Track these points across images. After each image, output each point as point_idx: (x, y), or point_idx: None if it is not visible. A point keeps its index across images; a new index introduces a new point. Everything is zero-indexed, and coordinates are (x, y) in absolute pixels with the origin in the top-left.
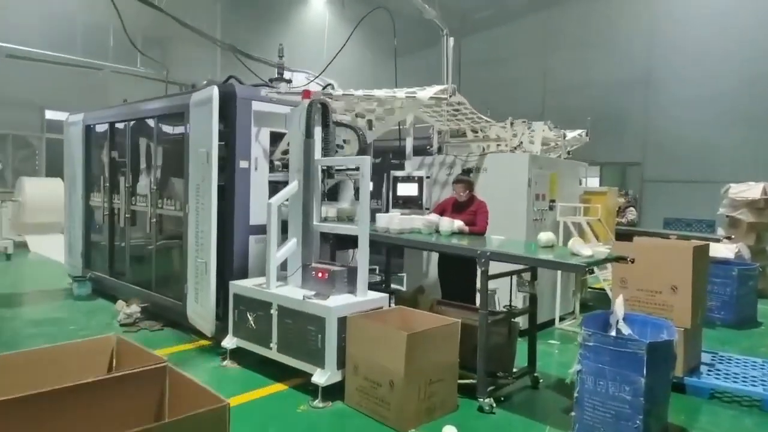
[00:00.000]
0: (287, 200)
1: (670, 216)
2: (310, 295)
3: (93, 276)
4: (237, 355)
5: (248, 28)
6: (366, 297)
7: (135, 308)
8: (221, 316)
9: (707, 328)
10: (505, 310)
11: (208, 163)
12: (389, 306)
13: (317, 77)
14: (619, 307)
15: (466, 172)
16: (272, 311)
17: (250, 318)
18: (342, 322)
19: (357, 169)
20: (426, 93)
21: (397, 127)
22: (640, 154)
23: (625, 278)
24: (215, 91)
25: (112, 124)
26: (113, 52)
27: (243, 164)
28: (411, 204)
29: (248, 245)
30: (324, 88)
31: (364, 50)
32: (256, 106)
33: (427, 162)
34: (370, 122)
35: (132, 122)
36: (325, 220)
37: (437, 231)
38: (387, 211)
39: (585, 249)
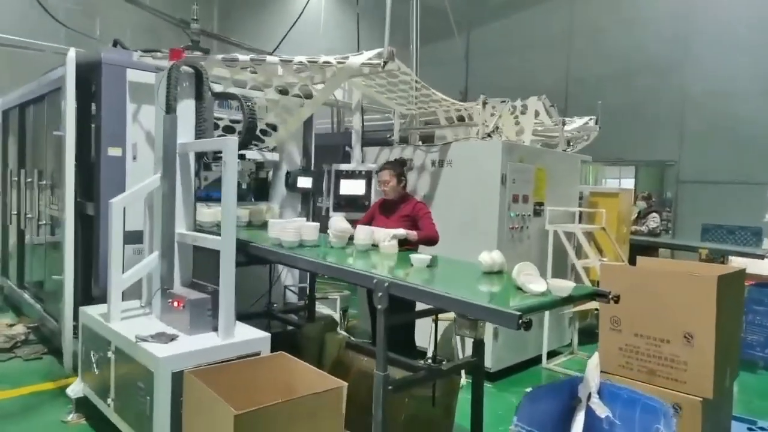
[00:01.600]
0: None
1: (709, 222)
2: (145, 336)
3: (3, 286)
4: (88, 406)
5: (244, 18)
6: (230, 339)
7: (19, 329)
8: None
9: (745, 372)
10: (425, 365)
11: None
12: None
13: (272, 53)
14: (592, 372)
15: (399, 162)
16: (110, 353)
17: (93, 359)
18: (181, 379)
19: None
20: (359, 58)
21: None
22: (676, 151)
23: (617, 317)
24: (71, 53)
25: (21, 107)
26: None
27: (113, 152)
28: (355, 205)
29: (124, 257)
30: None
31: (372, 43)
32: (133, 75)
33: (386, 154)
34: (284, 92)
35: (32, 103)
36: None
37: (352, 242)
38: (326, 214)
39: (536, 283)
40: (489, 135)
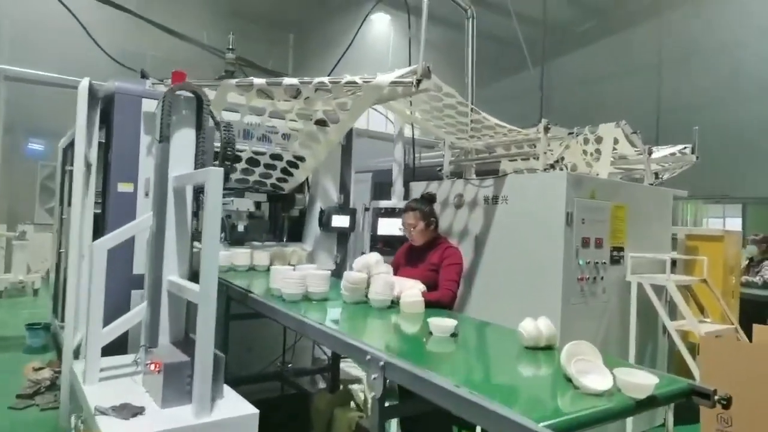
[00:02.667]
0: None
1: None
2: (105, 408)
3: (50, 324)
4: None
5: (316, 55)
6: (205, 417)
7: (45, 374)
8: None
9: None
10: None
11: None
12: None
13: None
14: None
15: (427, 198)
16: (80, 422)
17: (72, 424)
18: None
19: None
20: (388, 76)
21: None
22: None
23: (727, 415)
24: (83, 82)
25: (71, 144)
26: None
27: (123, 188)
28: (395, 247)
29: (129, 304)
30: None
31: (445, 77)
32: (149, 105)
33: (433, 190)
34: (322, 122)
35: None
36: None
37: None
38: None
39: (596, 374)
40: (552, 166)
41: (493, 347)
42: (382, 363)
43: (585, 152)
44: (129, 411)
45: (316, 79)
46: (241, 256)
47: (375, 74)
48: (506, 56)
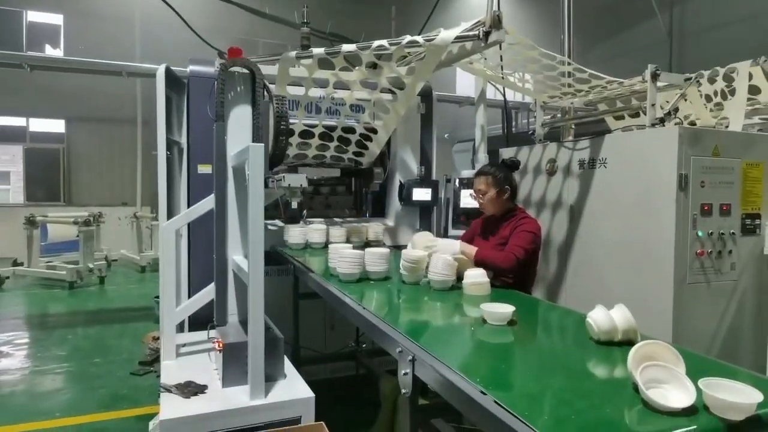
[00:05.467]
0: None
1: None
2: (170, 385)
3: None
4: None
5: (419, 26)
6: (259, 400)
7: None
8: None
9: None
10: None
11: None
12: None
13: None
14: None
15: (508, 165)
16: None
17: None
18: None
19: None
20: (452, 31)
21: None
22: None
23: None
24: (161, 69)
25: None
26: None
27: (203, 169)
28: None
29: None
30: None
31: (552, 39)
32: None
33: (524, 155)
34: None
35: None
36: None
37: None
38: (445, 233)
39: (672, 387)
40: (662, 120)
41: (558, 341)
42: (410, 357)
43: (710, 98)
44: (191, 390)
45: (375, 43)
46: (316, 232)
47: (439, 30)
48: (629, 4)
